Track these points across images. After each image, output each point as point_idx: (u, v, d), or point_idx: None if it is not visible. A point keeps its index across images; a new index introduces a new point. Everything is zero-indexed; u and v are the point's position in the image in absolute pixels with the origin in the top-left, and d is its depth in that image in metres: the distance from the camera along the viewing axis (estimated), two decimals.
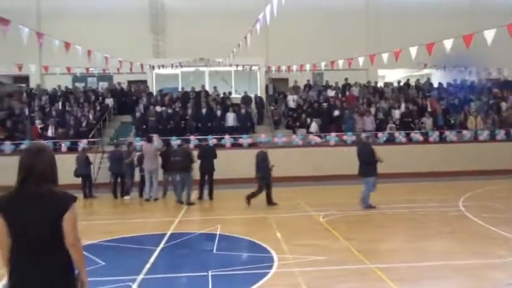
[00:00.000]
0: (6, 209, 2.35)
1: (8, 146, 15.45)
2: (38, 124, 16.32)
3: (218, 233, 7.46)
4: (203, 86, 19.42)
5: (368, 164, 9.21)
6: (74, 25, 19.62)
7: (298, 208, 9.79)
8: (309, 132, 16.18)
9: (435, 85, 20.13)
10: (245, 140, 15.89)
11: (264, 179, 9.94)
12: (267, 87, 20.18)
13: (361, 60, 13.42)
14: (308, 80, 20.06)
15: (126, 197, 11.70)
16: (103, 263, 5.68)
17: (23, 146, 15.30)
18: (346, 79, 19.43)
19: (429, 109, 17.42)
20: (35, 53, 18.98)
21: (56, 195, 2.42)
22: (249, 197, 9.91)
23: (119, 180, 12.10)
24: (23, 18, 12.29)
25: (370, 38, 20.84)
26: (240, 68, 19.09)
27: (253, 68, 19.83)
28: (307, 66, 15.91)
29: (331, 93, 18.95)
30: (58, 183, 2.51)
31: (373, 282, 4.89)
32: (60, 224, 2.37)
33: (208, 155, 11.31)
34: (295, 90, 19.12)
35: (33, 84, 20.43)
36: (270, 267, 5.46)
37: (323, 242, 6.64)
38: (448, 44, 9.66)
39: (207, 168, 11.21)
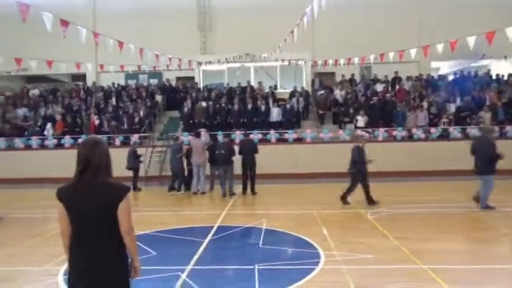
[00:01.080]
0: (67, 199, 2.50)
1: (67, 140, 16.52)
2: (94, 119, 17.26)
3: (264, 227, 7.49)
4: (249, 82, 19.55)
5: (489, 162, 8.31)
6: (127, 24, 20.48)
7: (345, 204, 9.58)
8: (357, 127, 15.77)
9: (494, 77, 18.82)
10: (290, 135, 15.81)
11: (359, 174, 9.25)
12: (312, 81, 19.92)
13: (413, 52, 12.82)
14: (353, 74, 19.52)
15: (176, 192, 11.86)
16: (154, 253, 5.91)
17: (80, 140, 16.30)
18: (396, 72, 18.69)
19: (488, 103, 16.33)
20: (91, 52, 20.08)
21: (112, 185, 2.54)
22: (344, 197, 9.37)
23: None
24: (80, 19, 12.97)
25: (422, 28, 19.85)
26: (285, 63, 18.96)
27: (299, 62, 19.63)
28: (355, 60, 15.47)
29: (379, 87, 18.33)
30: (112, 174, 2.64)
31: (425, 284, 4.68)
32: (115, 213, 2.49)
33: (249, 150, 11.43)
34: (342, 85, 18.70)
35: (89, 82, 21.64)
36: (317, 263, 5.40)
37: (371, 240, 6.46)
38: (510, 32, 8.96)
39: (248, 162, 11.35)
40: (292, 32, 11.90)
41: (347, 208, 9.18)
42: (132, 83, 21.27)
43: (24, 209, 10.13)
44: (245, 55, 19.73)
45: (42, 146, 16.70)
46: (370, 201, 9.20)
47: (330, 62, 16.47)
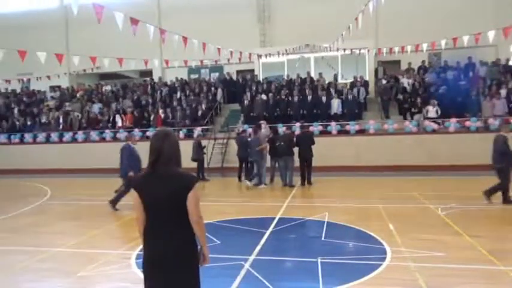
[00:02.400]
0: (141, 188, 2.64)
1: (136, 132, 17.52)
2: (161, 113, 18.11)
3: (326, 220, 7.38)
4: (308, 73, 19.26)
5: None
6: (189, 20, 21.18)
7: (412, 199, 9.13)
8: (426, 118, 14.87)
9: None
10: (352, 126, 15.35)
11: (504, 170, 7.95)
12: (376, 71, 19.12)
13: (491, 35, 11.74)
14: (423, 61, 18.40)
15: (248, 182, 11.80)
16: (218, 242, 6.08)
17: (148, 133, 17.22)
18: (469, 58, 17.29)
19: None
20: (157, 49, 21.07)
21: (182, 175, 2.63)
22: (489, 193, 8.20)
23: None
24: (147, 16, 13.58)
25: (500, 8, 18.12)
26: (347, 52, 18.37)
27: (362, 51, 18.91)
28: (424, 46, 14.52)
29: (450, 74, 17.08)
30: (181, 165, 2.73)
31: (504, 287, 4.31)
32: (185, 201, 2.57)
33: (306, 142, 11.35)
34: (409, 73, 17.72)
35: (156, 77, 22.75)
36: (383, 259, 5.21)
37: (443, 238, 6.07)
38: None
39: (305, 154, 11.33)
40: (356, 19, 11.47)
41: (415, 203, 8.72)
42: (194, 77, 21.99)
43: (100, 197, 10.94)
44: (305, 46, 19.46)
45: (114, 139, 17.89)
46: (506, 199, 8.10)
47: (396, 49, 15.65)
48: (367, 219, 7.37)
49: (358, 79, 17.70)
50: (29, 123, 20.08)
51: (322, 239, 6.31)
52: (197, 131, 16.28)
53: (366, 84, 17.66)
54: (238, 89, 19.45)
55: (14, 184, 14.61)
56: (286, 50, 19.16)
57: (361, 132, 15.46)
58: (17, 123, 20.36)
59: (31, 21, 24.75)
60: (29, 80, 23.08)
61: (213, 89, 19.69)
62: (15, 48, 12.09)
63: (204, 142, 14.56)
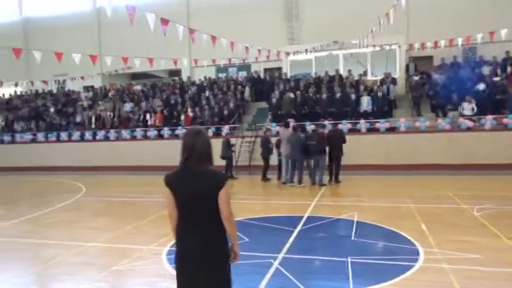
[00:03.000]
0: (173, 185, 2.67)
1: (166, 131, 17.88)
2: (189, 112, 18.38)
3: (355, 219, 7.26)
4: (337, 70, 19.00)
5: None
6: (218, 19, 21.35)
7: (446, 199, 8.84)
8: (461, 116, 14.35)
9: None
10: (382, 124, 15.02)
11: None
12: (407, 67, 18.62)
13: None
14: (455, 57, 17.74)
15: (296, 184, 11.53)
16: (247, 239, 6.11)
17: (177, 132, 17.52)
18: (507, 52, 16.54)
19: None
20: (186, 48, 21.38)
21: (213, 173, 2.65)
22: None
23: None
24: (176, 16, 13.79)
25: None
26: (377, 49, 17.97)
27: (393, 47, 18.46)
28: (459, 41, 14.01)
29: (486, 70, 16.41)
30: (213, 162, 2.75)
31: None
32: (216, 199, 2.59)
33: (337, 140, 11.20)
34: (442, 69, 17.15)
35: (184, 76, 23.09)
36: (415, 260, 5.07)
37: (479, 239, 5.85)
38: None
39: (336, 153, 11.20)
40: (387, 14, 11.21)
41: (449, 203, 8.45)
42: (222, 76, 22.16)
43: (132, 194, 11.24)
44: (333, 43, 19.20)
45: (145, 137, 18.31)
46: None
47: (429, 44, 15.17)
48: (399, 219, 7.20)
49: (391, 76, 17.30)
50: (64, 122, 20.88)
51: (352, 238, 6.22)
52: (225, 129, 16.41)
53: (396, 81, 17.23)
54: (265, 87, 19.45)
55: (50, 181, 15.23)
56: (314, 48, 18.98)
57: (392, 130, 15.11)
58: (54, 122, 21.21)
59: (66, 23, 25.70)
60: (64, 80, 23.97)
61: (240, 87, 19.78)
62: (51, 50, 12.60)
63: (232, 140, 14.66)
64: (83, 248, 6.15)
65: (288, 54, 19.93)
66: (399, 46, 18.50)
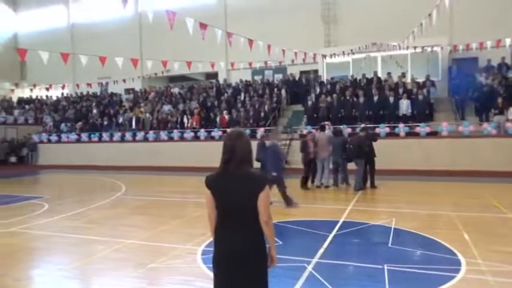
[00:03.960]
0: (214, 186, 2.69)
1: (202, 133, 18.20)
2: (225, 114, 18.62)
3: (393, 226, 7.06)
4: (375, 73, 18.60)
5: None
6: (254, 22, 21.52)
7: (490, 207, 8.41)
8: (507, 120, 13.62)
9: None
10: (422, 128, 14.53)
11: None
12: (449, 69, 17.92)
13: None
14: (503, 58, 16.85)
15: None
16: (280, 242, 6.09)
17: (213, 133, 17.79)
18: None
19: None
20: (223, 52, 21.68)
21: (254, 176, 2.66)
22: None
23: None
24: (213, 20, 14.03)
25: None
26: (418, 50, 17.42)
27: (435, 48, 17.81)
28: (507, 41, 13.32)
29: None
30: (253, 165, 2.76)
31: None
32: (255, 201, 2.59)
33: (366, 143, 10.95)
34: (488, 71, 16.35)
35: (221, 79, 23.43)
36: (457, 271, 4.86)
37: None
38: None
39: (366, 155, 10.90)
40: (429, 14, 10.84)
41: (493, 212, 8.03)
42: (258, 78, 22.29)
43: (169, 194, 11.54)
44: (371, 45, 18.83)
45: (182, 138, 18.74)
46: None
47: (474, 45, 14.53)
48: (439, 227, 6.94)
49: (432, 78, 16.72)
50: (106, 123, 21.78)
51: (389, 245, 6.05)
52: (260, 131, 16.49)
53: (437, 83, 16.63)
54: (301, 90, 19.36)
55: (92, 179, 15.91)
56: (351, 50, 18.69)
57: (433, 134, 14.60)
58: (96, 123, 22.17)
59: (109, 28, 26.84)
60: (107, 83, 25.00)
61: (276, 90, 19.81)
62: (96, 55, 13.19)
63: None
64: (123, 244, 6.38)
65: (324, 56, 19.74)
66: (441, 47, 17.84)
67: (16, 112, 25.20)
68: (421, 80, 17.05)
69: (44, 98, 27.99)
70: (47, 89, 25.08)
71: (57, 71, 23.94)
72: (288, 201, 8.84)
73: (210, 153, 16.37)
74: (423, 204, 9.02)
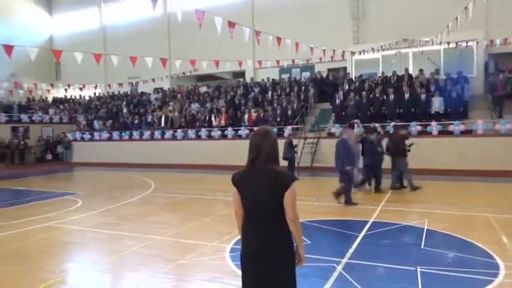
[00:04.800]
0: (240, 184, 2.69)
1: (229, 131, 18.30)
2: (252, 112, 18.64)
3: (426, 227, 6.84)
4: (406, 69, 18.09)
5: None
6: (282, 20, 21.40)
7: None
8: None
9: None
10: (456, 126, 14.02)
11: None
12: (486, 64, 17.19)
13: None
14: None
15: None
16: (309, 242, 6.02)
17: (240, 132, 17.85)
18: None
19: None
20: (250, 50, 21.72)
21: (280, 174, 2.63)
22: None
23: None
24: (241, 19, 14.05)
25: None
26: (451, 46, 16.80)
27: (470, 43, 17.13)
28: None
29: None
30: (279, 163, 2.73)
31: None
32: (282, 200, 2.56)
33: (398, 141, 10.63)
34: None
35: (248, 78, 23.47)
36: (495, 275, 4.65)
37: None
38: None
39: (395, 153, 10.57)
40: (465, 8, 10.41)
41: None
42: (285, 77, 22.17)
43: (196, 191, 11.66)
44: (402, 40, 18.34)
45: (209, 137, 18.91)
46: None
47: None
48: (474, 229, 6.66)
49: (467, 74, 16.09)
50: (136, 121, 22.29)
51: (422, 247, 5.86)
52: (287, 130, 16.40)
53: (472, 80, 15.99)
54: (329, 88, 19.11)
55: (123, 176, 16.32)
56: (381, 46, 18.27)
57: (467, 133, 14.06)
58: (127, 121, 22.73)
59: (138, 29, 27.42)
60: (137, 83, 25.58)
61: (303, 88, 19.65)
62: (127, 55, 13.49)
63: (294, 141, 14.60)
64: (153, 241, 6.49)
65: (353, 53, 19.39)
66: (477, 42, 17.14)
67: (51, 111, 26.20)
68: (454, 76, 16.45)
69: (78, 97, 28.96)
70: (81, 89, 25.94)
71: (89, 71, 24.68)
72: (347, 198, 8.94)
73: (237, 151, 16.48)
74: (457, 205, 8.70)
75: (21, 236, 7.05)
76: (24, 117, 24.19)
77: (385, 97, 16.18)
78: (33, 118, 24.53)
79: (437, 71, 17.50)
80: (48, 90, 28.43)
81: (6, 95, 25.02)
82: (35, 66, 23.84)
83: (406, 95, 15.71)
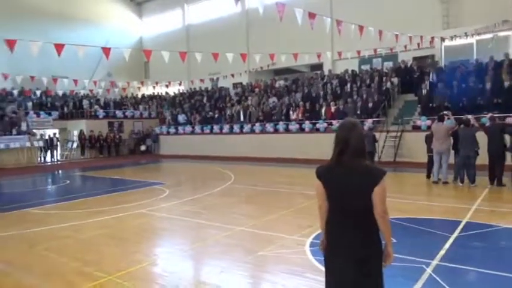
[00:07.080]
0: (325, 177, 2.60)
1: (307, 125, 18.13)
2: (332, 105, 18.23)
3: None
4: (506, 55, 16.20)
5: None
6: (363, 7, 20.50)
7: None
8: None
9: None
10: None
11: None
12: None
13: None
14: None
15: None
16: (395, 241, 5.65)
17: (318, 125, 17.58)
18: None
19: None
20: (328, 42, 21.20)
21: (369, 168, 2.51)
22: None
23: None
24: (319, 9, 13.71)
25: None
26: None
27: None
28: None
29: None
30: (366, 157, 2.60)
31: None
32: (370, 195, 2.44)
33: (494, 135, 9.57)
34: None
35: (326, 70, 22.97)
36: None
37: None
38: None
39: (493, 149, 9.59)
40: None
41: None
42: (365, 68, 21.27)
43: (275, 184, 11.76)
44: (502, 22, 16.44)
45: (287, 130, 18.93)
46: None
47: None
48: None
49: None
50: (216, 116, 23.17)
51: None
52: (368, 122, 15.76)
53: None
54: (414, 78, 17.91)
55: (205, 168, 17.08)
56: (476, 30, 16.58)
57: None
58: (208, 116, 23.73)
59: (219, 26, 28.39)
60: (217, 78, 26.56)
61: (385, 78, 18.67)
62: (209, 51, 14.03)
63: (376, 135, 13.99)
64: (233, 231, 6.69)
65: (443, 39, 17.88)
66: None
67: (141, 107, 28.39)
68: None
69: (164, 94, 30.99)
70: (167, 86, 27.71)
71: (174, 69, 26.21)
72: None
73: (315, 145, 16.34)
74: None
75: (120, 220, 7.76)
76: (119, 113, 26.55)
77: (480, 86, 14.67)
78: (126, 114, 26.79)
79: None
80: (139, 88, 30.84)
81: (104, 93, 27.71)
82: (128, 66, 26.00)
83: (506, 83, 14.08)
